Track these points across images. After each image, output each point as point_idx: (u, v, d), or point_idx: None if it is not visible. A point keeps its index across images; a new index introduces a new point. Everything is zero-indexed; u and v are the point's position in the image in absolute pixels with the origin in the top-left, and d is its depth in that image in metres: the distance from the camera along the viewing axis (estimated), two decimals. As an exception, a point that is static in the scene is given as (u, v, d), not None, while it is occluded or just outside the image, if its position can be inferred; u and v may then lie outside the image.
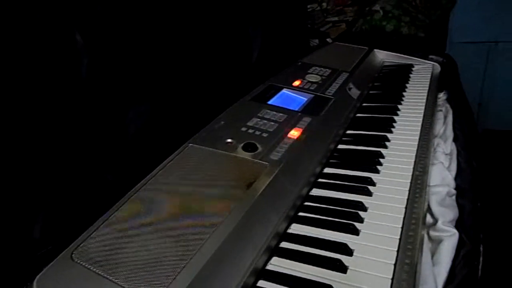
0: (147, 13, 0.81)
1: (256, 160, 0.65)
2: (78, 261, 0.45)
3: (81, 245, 0.47)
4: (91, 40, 0.70)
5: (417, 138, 0.79)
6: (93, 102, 0.71)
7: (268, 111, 0.81)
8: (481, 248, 0.57)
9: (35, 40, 0.62)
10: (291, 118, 0.79)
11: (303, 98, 0.89)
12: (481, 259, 0.55)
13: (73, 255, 0.46)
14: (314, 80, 0.99)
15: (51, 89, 0.64)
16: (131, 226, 0.50)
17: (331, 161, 0.74)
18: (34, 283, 0.43)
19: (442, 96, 1.05)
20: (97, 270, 0.44)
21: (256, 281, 0.49)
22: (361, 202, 0.61)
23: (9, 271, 0.52)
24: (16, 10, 0.59)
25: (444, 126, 0.92)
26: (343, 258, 0.51)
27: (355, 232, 0.55)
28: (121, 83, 0.76)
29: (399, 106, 0.93)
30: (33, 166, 0.60)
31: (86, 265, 0.45)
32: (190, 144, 0.68)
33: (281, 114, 0.80)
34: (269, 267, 0.52)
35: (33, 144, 0.61)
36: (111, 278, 0.43)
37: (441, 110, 0.99)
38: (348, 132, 0.84)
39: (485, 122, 1.90)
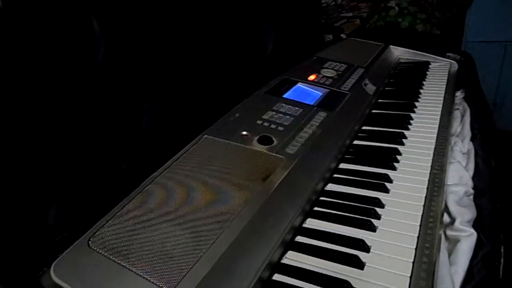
0: (164, 5, 0.81)
1: (272, 154, 0.64)
2: (95, 248, 0.45)
3: (97, 232, 0.47)
4: (108, 28, 0.69)
5: (435, 136, 0.78)
6: (109, 90, 0.71)
7: (284, 104, 0.80)
8: (502, 249, 0.55)
9: (52, 27, 0.62)
10: (307, 112, 0.78)
11: (318, 93, 0.88)
12: (502, 260, 0.54)
13: (89, 242, 0.46)
14: (329, 75, 0.97)
15: (66, 77, 0.64)
16: (147, 215, 0.50)
17: (346, 156, 0.73)
18: (51, 269, 0.43)
19: (459, 94, 1.03)
20: (114, 258, 0.44)
21: (271, 275, 0.49)
22: (378, 199, 0.60)
23: (26, 257, 0.52)
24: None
25: (461, 125, 0.90)
26: (361, 254, 0.50)
27: (372, 228, 0.54)
28: (137, 73, 0.75)
29: (416, 103, 0.92)
30: (49, 154, 0.60)
31: (103, 252, 0.45)
32: (205, 136, 0.68)
33: (296, 108, 0.79)
34: (284, 261, 0.51)
35: (49, 132, 0.61)
36: (127, 266, 0.43)
37: (458, 109, 0.97)
38: (364, 128, 0.83)
39: (499, 123, 1.87)
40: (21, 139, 0.58)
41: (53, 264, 0.43)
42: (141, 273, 0.43)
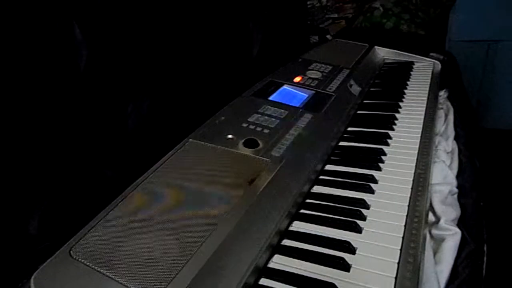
0: (147, 7, 0.80)
1: (257, 157, 0.64)
2: (77, 257, 0.44)
3: (79, 242, 0.46)
4: (90, 34, 0.68)
5: (419, 135, 0.78)
6: (91, 96, 0.70)
7: (269, 107, 0.80)
8: (485, 248, 0.56)
9: (34, 34, 0.61)
10: (292, 114, 0.78)
11: (304, 95, 0.88)
12: (485, 258, 0.55)
13: (71, 251, 0.45)
14: (315, 77, 0.98)
15: (49, 83, 0.63)
16: (130, 222, 0.50)
17: (332, 158, 0.73)
18: (31, 280, 0.42)
19: (443, 94, 1.05)
20: (96, 267, 0.43)
21: (257, 279, 0.49)
22: (363, 200, 0.60)
23: (5, 268, 0.51)
24: (15, 2, 0.58)
25: (445, 124, 0.91)
26: (346, 256, 0.50)
27: (358, 230, 0.55)
28: (121, 77, 0.74)
29: (401, 104, 0.93)
30: (31, 161, 0.59)
31: (85, 262, 0.44)
32: (190, 140, 0.67)
33: (282, 110, 0.79)
34: (270, 265, 0.51)
35: (31, 139, 0.60)
36: (110, 275, 0.43)
37: (442, 108, 0.99)
38: (349, 129, 0.83)
39: (483, 121, 1.90)
40: (2, 146, 0.57)
41: (33, 276, 0.42)
42: (125, 282, 0.42)
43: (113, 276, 0.42)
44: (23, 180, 0.59)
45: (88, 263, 0.44)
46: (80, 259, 0.44)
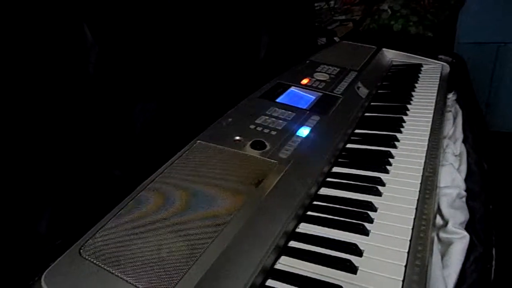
0: (156, 10, 0.81)
1: (265, 158, 0.64)
2: (86, 256, 0.45)
3: (89, 241, 0.47)
4: (100, 36, 0.69)
5: (427, 138, 0.78)
6: (100, 97, 0.70)
7: (277, 109, 0.80)
8: (494, 252, 0.56)
9: (44, 35, 0.62)
10: (300, 116, 0.78)
11: (311, 97, 0.88)
12: (493, 262, 0.54)
13: (81, 250, 0.46)
14: (322, 79, 0.98)
15: (59, 84, 0.64)
16: (139, 222, 0.50)
17: (339, 160, 0.73)
18: (42, 278, 0.43)
19: (451, 96, 1.04)
20: (106, 266, 0.44)
21: (264, 280, 0.49)
22: (370, 202, 0.60)
23: (16, 266, 0.52)
24: (26, 4, 0.59)
25: (453, 127, 0.91)
26: (353, 258, 0.50)
27: (365, 232, 0.55)
28: (129, 79, 0.75)
29: (408, 106, 0.92)
30: (41, 161, 0.60)
31: (95, 261, 0.44)
32: (198, 141, 0.68)
33: (289, 112, 0.79)
34: (277, 266, 0.51)
35: (41, 139, 0.61)
36: (119, 274, 0.43)
37: (450, 111, 0.98)
38: (357, 131, 0.83)
39: (492, 124, 1.88)
40: (13, 146, 0.58)
41: (44, 273, 0.43)
42: (133, 282, 0.42)
43: (121, 275, 0.43)
44: (33, 180, 0.60)
45: (97, 262, 0.44)
46: (89, 258, 0.45)
